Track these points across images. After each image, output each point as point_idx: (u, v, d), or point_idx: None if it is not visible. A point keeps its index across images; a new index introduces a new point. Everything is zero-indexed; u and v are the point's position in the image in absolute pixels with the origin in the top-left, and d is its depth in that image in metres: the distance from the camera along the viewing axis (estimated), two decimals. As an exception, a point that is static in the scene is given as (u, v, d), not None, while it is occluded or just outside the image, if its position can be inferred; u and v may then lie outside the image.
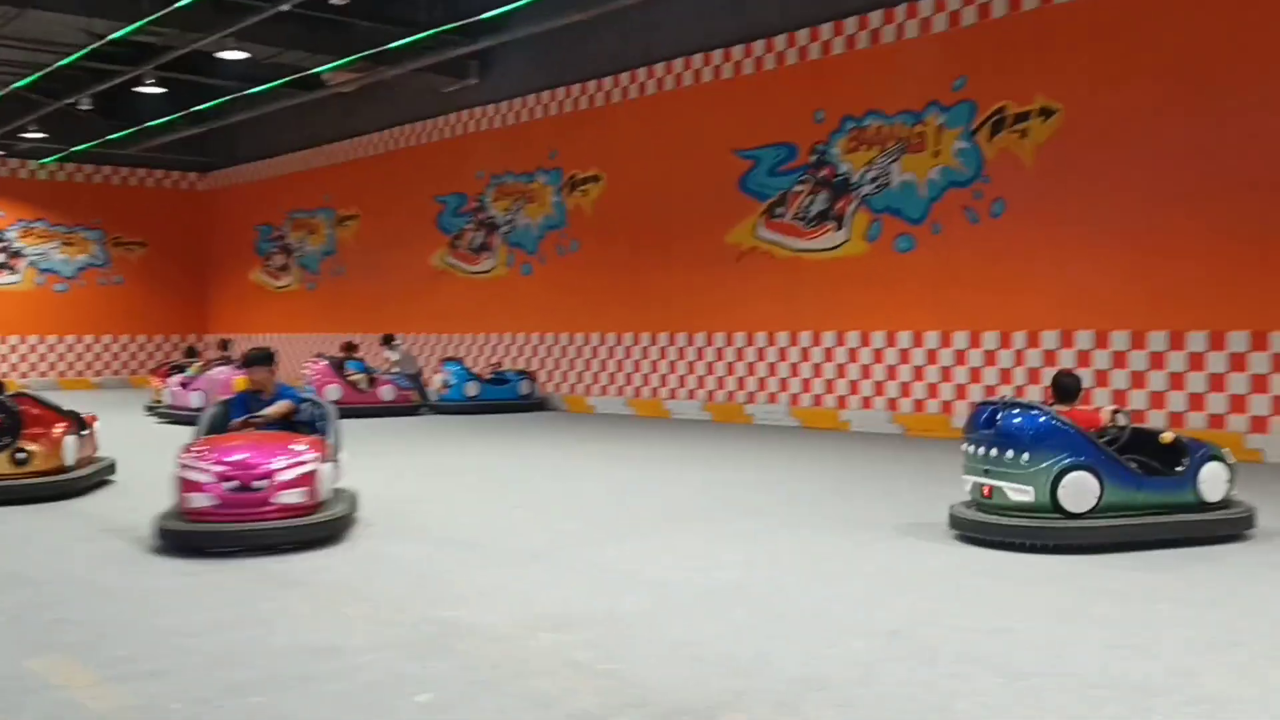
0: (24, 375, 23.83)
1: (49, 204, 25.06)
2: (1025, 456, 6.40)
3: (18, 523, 7.68)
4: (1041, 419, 6.54)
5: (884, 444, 12.39)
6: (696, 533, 7.18)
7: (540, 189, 18.31)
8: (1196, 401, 11.02)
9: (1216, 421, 10.83)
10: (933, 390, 13.24)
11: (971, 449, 6.74)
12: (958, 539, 6.65)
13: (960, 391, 12.92)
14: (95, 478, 9.20)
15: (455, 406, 16.72)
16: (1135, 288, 11.50)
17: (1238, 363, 10.78)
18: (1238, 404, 10.77)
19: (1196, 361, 11.04)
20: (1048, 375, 12.03)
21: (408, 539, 7.04)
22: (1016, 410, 6.67)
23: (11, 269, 24.69)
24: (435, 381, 17.22)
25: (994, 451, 6.55)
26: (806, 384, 14.54)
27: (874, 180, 13.79)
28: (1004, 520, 6.47)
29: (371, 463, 10.16)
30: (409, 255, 20.71)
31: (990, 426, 6.66)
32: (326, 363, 16.70)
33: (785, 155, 14.74)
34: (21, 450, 8.40)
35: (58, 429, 8.82)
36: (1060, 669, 4.23)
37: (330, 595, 5.57)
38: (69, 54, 16.62)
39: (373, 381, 16.76)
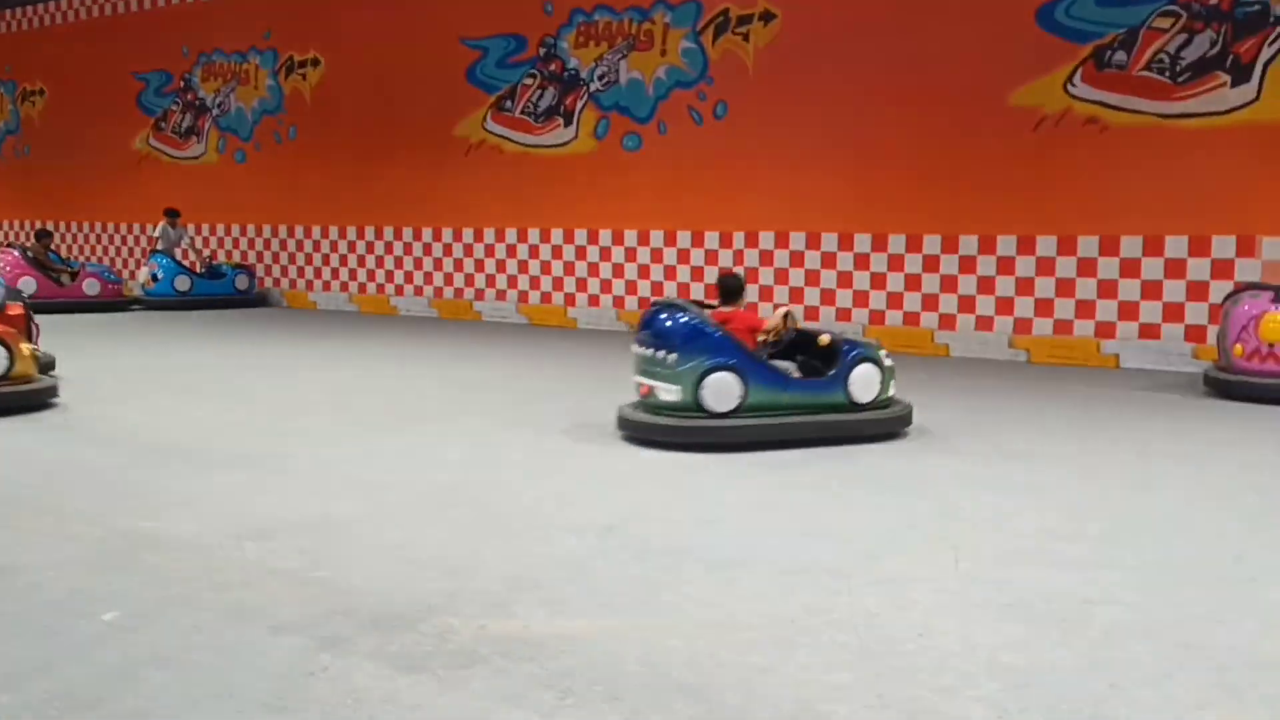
0: None
1: None
2: (674, 357, 6.55)
3: None
4: (688, 321, 6.67)
5: (609, 341, 12.60)
6: (418, 433, 7.08)
7: (254, 70, 17.18)
8: (895, 300, 11.78)
9: (912, 319, 11.64)
10: (657, 289, 13.51)
11: (638, 349, 6.86)
12: (624, 439, 6.79)
13: (683, 291, 13.27)
14: None
15: (166, 302, 15.70)
16: (847, 192, 12.07)
17: (931, 264, 11.58)
18: (930, 302, 11.59)
19: (896, 263, 11.78)
20: (766, 274, 12.62)
21: (102, 444, 6.59)
22: (667, 312, 6.82)
23: None
24: (141, 275, 16.08)
25: (652, 352, 6.69)
26: (535, 281, 14.53)
27: (602, 77, 13.75)
28: (658, 420, 6.63)
29: (69, 364, 9.39)
30: (106, 137, 19.01)
31: (649, 328, 6.81)
32: (17, 253, 15.25)
33: (514, 47, 14.44)
34: None
35: None
36: (759, 556, 4.46)
37: (8, 507, 5.14)
38: None
39: (74, 275, 15.46)
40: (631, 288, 13.76)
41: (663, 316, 6.76)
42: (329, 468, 6.08)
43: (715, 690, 3.19)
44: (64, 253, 16.33)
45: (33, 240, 16.00)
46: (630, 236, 13.73)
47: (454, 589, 4.05)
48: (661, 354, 6.60)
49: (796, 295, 12.33)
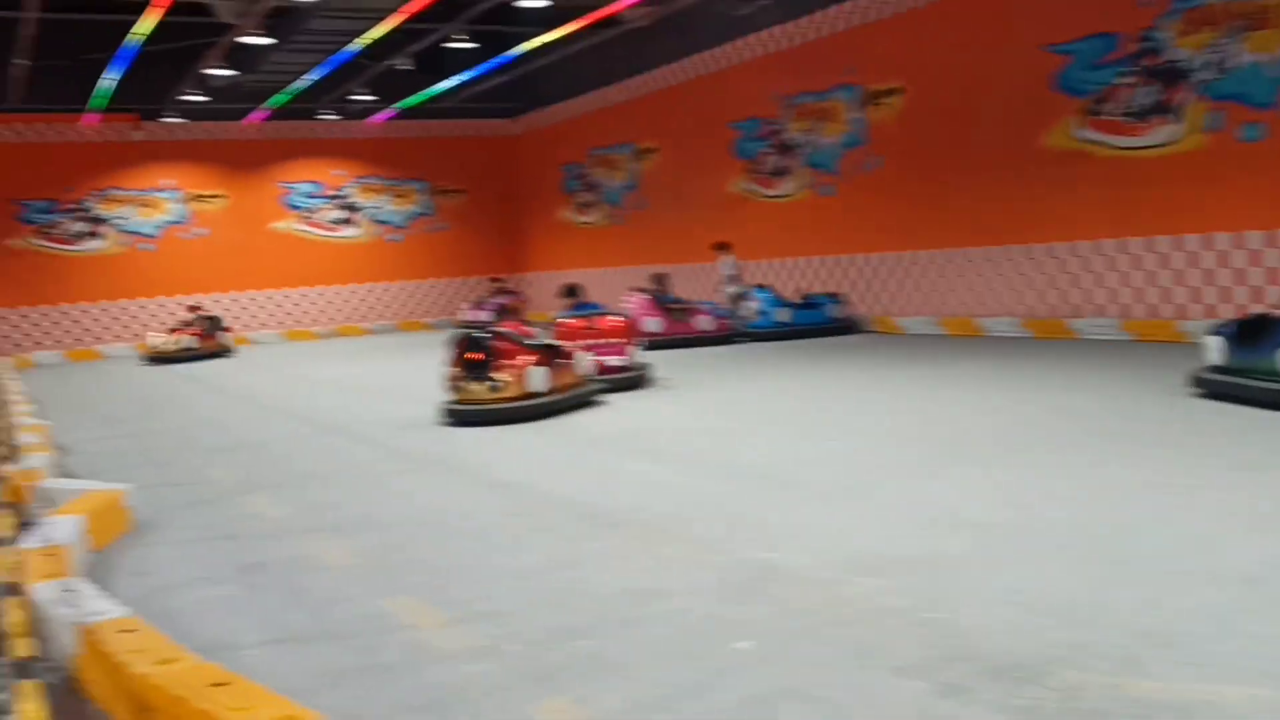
0: (366, 319, 26.10)
1: (380, 160, 27.02)
2: None
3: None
4: None
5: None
6: (1022, 464, 6.81)
7: (838, 106, 17.82)
8: None
9: None
10: (1291, 294, 11.92)
11: None
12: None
13: (1324, 294, 11.56)
14: (571, 402, 10.29)
15: (767, 333, 16.75)
16: None
17: None
18: None
19: None
20: None
21: (719, 475, 7.12)
22: None
23: (352, 223, 26.88)
24: (746, 309, 17.31)
25: None
26: (1139, 293, 13.47)
27: (1212, 65, 12.43)
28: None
29: (685, 395, 10.34)
30: (708, 184, 20.82)
31: None
32: (646, 296, 17.14)
33: (1105, 47, 13.56)
34: (494, 380, 9.78)
35: (523, 360, 10.04)
36: None
37: (646, 536, 5.71)
38: (385, 18, 17.67)
39: (688, 312, 17.03)
40: (1258, 295, 12.24)
41: None
42: (930, 501, 6.03)
43: None
44: (676, 292, 18.04)
45: (652, 284, 17.86)
46: (1253, 238, 12.24)
47: (1080, 640, 3.80)
48: None
49: None
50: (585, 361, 10.85)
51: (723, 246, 18.00)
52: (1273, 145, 11.92)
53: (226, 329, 22.42)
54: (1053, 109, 14.20)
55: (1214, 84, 12.43)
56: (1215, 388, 8.34)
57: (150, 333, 22.52)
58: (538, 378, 9.93)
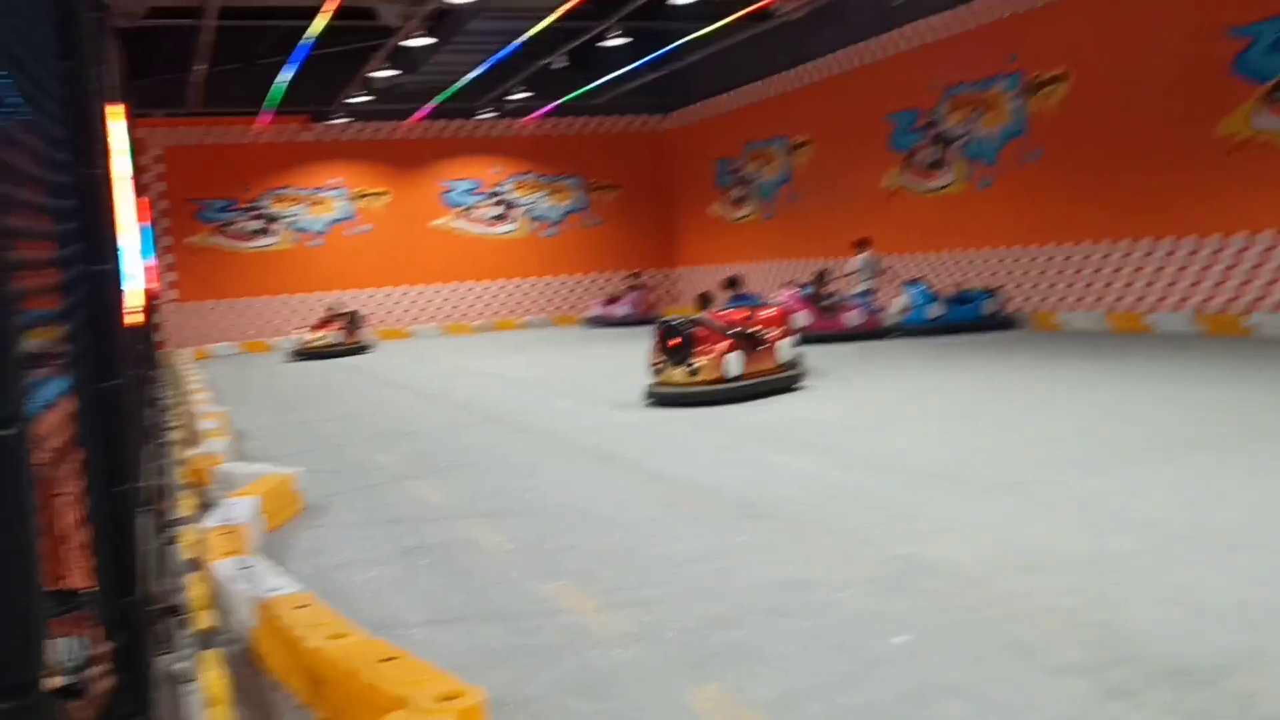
0: (521, 314, 26.72)
1: (535, 157, 27.54)
2: None
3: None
4: None
5: None
6: (1191, 463, 6.54)
7: (998, 96, 17.34)
8: None
9: None
10: None
11: None
12: None
13: None
14: (766, 387, 10.86)
15: (919, 329, 16.44)
16: None
17: None
18: None
19: None
20: None
21: (871, 469, 7.04)
22: None
23: (508, 219, 27.48)
24: (896, 304, 17.03)
25: None
26: (1322, 288, 12.72)
27: None
28: None
29: (838, 391, 10.25)
30: (862, 178, 20.52)
31: None
32: (797, 291, 17.03)
33: (1289, 27, 12.82)
34: (692, 364, 10.52)
35: (720, 347, 10.70)
36: None
37: (798, 528, 5.70)
38: (543, 17, 18.01)
39: (839, 308, 16.86)
40: None
41: None
42: (1093, 499, 5.85)
43: None
44: (831, 289, 17.86)
45: (812, 279, 17.72)
46: None
47: (1256, 645, 3.65)
48: None
49: None
50: (786, 348, 11.35)
51: (861, 243, 17.74)
52: None
53: (364, 324, 23.14)
54: (1231, 95, 13.51)
55: None
56: None
57: (293, 329, 23.48)
58: (734, 363, 10.59)
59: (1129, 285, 15.25)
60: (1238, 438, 7.27)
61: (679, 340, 10.68)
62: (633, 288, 25.22)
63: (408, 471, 8.16)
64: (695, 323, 11.10)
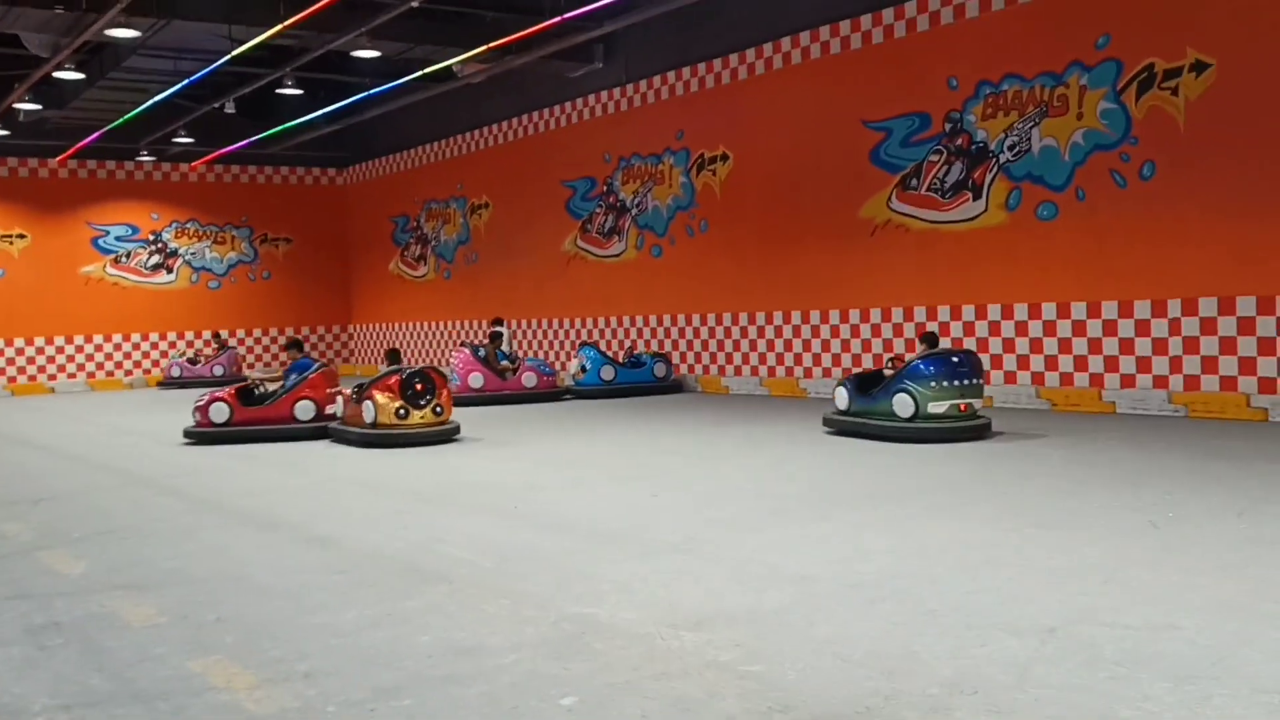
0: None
1: (200, 204, 26.12)
2: None
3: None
4: None
5: (1025, 420, 11.97)
6: (840, 520, 7.05)
7: (668, 170, 18.25)
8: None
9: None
10: (1081, 364, 12.73)
11: None
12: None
13: (1110, 364, 12.40)
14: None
15: (593, 391, 16.84)
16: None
17: None
18: None
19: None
20: (1207, 344, 11.51)
21: (545, 530, 7.09)
22: None
23: (168, 268, 25.84)
24: (571, 366, 17.39)
25: None
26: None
27: (1012, 148, 13.31)
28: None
29: (511, 452, 10.26)
30: (541, 241, 20.92)
31: None
32: (469, 352, 16.95)
33: (918, 125, 14.35)
34: (439, 406, 11.81)
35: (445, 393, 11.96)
36: (1234, 671, 3.98)
37: (471, 591, 5.63)
38: (212, 61, 17.21)
39: (515, 369, 16.94)
40: (1052, 363, 13.05)
41: None
42: (752, 556, 6.16)
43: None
44: (507, 348, 17.99)
45: (486, 339, 17.71)
46: (1048, 309, 13.07)
47: (891, 690, 3.93)
48: None
49: (1248, 364, 11.14)
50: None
51: (495, 322, 18.10)
52: (1065, 223, 12.78)
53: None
54: (872, 181, 14.89)
55: (1013, 165, 13.29)
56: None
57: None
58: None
59: (786, 352, 16.35)
60: (876, 496, 7.91)
61: (422, 385, 11.71)
62: (221, 348, 24.82)
63: (39, 541, 7.38)
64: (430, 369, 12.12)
